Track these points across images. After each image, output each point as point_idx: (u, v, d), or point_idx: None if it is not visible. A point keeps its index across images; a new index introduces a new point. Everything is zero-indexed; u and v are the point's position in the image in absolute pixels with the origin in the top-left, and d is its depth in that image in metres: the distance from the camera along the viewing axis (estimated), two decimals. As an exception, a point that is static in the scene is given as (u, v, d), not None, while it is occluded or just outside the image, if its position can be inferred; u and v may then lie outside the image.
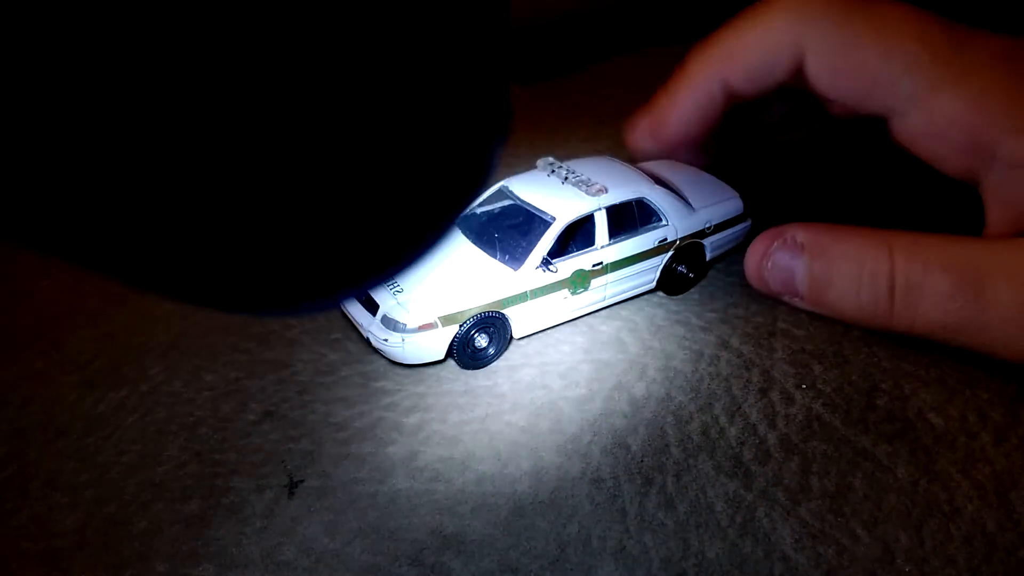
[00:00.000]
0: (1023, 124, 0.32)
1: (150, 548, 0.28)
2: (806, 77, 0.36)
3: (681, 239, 0.40)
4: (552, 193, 0.38)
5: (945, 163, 0.35)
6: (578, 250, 0.38)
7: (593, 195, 0.38)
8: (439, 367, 0.36)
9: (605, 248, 0.38)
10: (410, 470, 0.31)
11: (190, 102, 0.10)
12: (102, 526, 0.29)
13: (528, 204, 0.38)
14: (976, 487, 0.28)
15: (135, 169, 0.11)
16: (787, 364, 0.35)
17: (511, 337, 0.37)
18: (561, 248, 0.37)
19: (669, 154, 0.43)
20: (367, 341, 0.36)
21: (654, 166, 0.45)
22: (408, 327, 0.34)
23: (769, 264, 0.37)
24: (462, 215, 0.33)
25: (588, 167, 0.41)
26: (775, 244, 0.37)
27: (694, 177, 0.44)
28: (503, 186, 0.40)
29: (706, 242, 0.42)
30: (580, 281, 0.38)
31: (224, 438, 0.33)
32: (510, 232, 0.38)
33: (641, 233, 0.39)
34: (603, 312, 0.40)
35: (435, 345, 0.35)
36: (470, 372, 0.36)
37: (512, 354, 0.37)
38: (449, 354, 0.36)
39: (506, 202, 0.40)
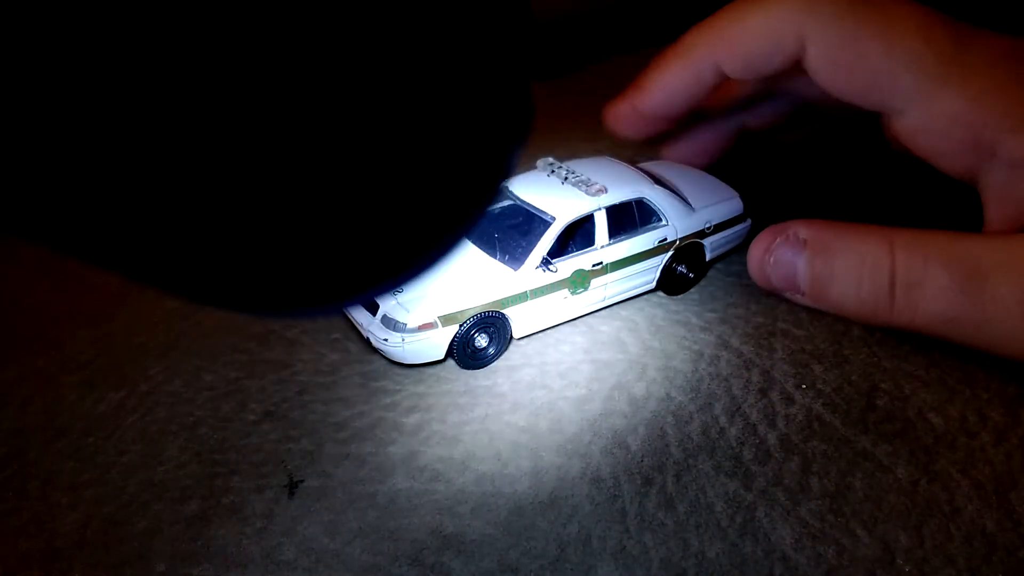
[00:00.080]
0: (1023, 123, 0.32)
1: (150, 548, 0.28)
2: (805, 69, 0.36)
3: (681, 239, 0.40)
4: (552, 193, 0.38)
5: (944, 161, 0.35)
6: (578, 250, 0.38)
7: (593, 195, 0.38)
8: (439, 367, 0.36)
9: (605, 248, 0.38)
10: (410, 470, 0.31)
11: (201, 101, 0.10)
12: (102, 526, 0.29)
13: (528, 204, 0.38)
14: (976, 487, 0.28)
15: (152, 167, 0.11)
16: (787, 364, 0.35)
17: (511, 337, 0.37)
18: (561, 248, 0.37)
19: (644, 130, 0.42)
20: (367, 341, 0.36)
21: (654, 166, 0.45)
22: (408, 327, 0.34)
23: (771, 260, 0.37)
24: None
25: (588, 167, 0.41)
26: (777, 240, 0.37)
27: (694, 177, 0.44)
28: (503, 186, 0.40)
29: (706, 242, 0.42)
30: (580, 281, 0.38)
31: (224, 438, 0.33)
32: (510, 232, 0.38)
33: (641, 233, 0.39)
34: (603, 312, 0.40)
35: (435, 345, 0.35)
36: (470, 372, 0.36)
37: (512, 354, 0.37)
38: (449, 354, 0.36)
39: (506, 202, 0.40)
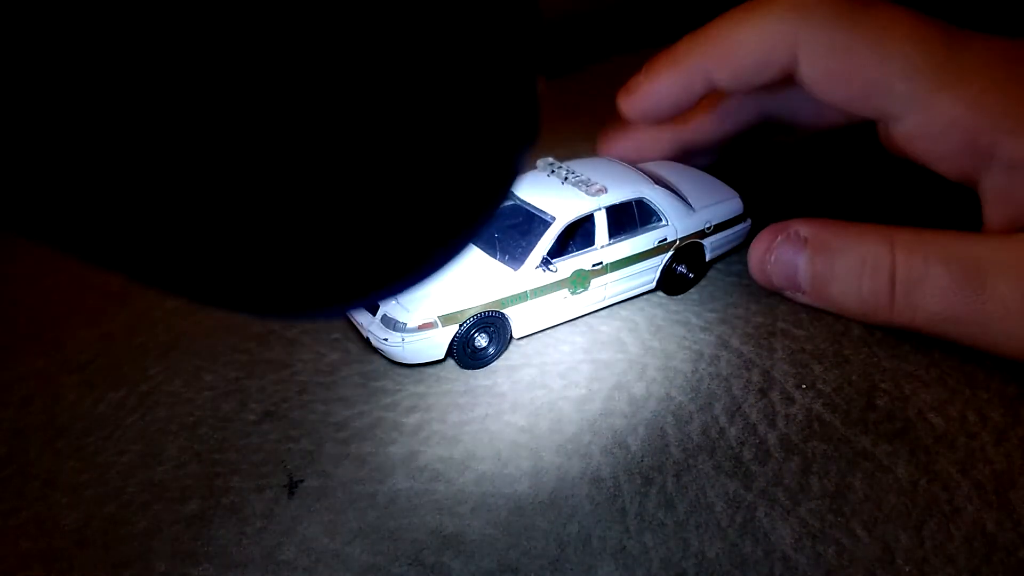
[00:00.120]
0: (1021, 125, 0.32)
1: (150, 548, 0.28)
2: (798, 80, 0.36)
3: (681, 239, 0.40)
4: (552, 193, 0.38)
5: (943, 165, 0.35)
6: (578, 250, 0.38)
7: (593, 195, 0.38)
8: (439, 367, 0.36)
9: (605, 248, 0.38)
10: (410, 470, 0.31)
11: (205, 101, 0.10)
12: (102, 526, 0.29)
13: (528, 204, 0.38)
14: (976, 487, 0.28)
15: (155, 168, 0.10)
16: (787, 364, 0.35)
17: (511, 337, 0.37)
18: (561, 248, 0.37)
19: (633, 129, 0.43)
20: (367, 341, 0.36)
21: (654, 166, 0.45)
22: (408, 327, 0.34)
23: (772, 259, 0.38)
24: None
25: (588, 167, 0.41)
26: (778, 239, 0.37)
27: (694, 177, 0.44)
28: (511, 191, 0.40)
29: (706, 242, 0.42)
30: (580, 281, 0.38)
31: (224, 438, 0.33)
32: (510, 232, 0.38)
33: (641, 233, 0.39)
34: (603, 312, 0.40)
35: (435, 345, 0.35)
36: (470, 372, 0.36)
37: (512, 354, 0.37)
38: (449, 354, 0.36)
39: (506, 202, 0.40)
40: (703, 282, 0.42)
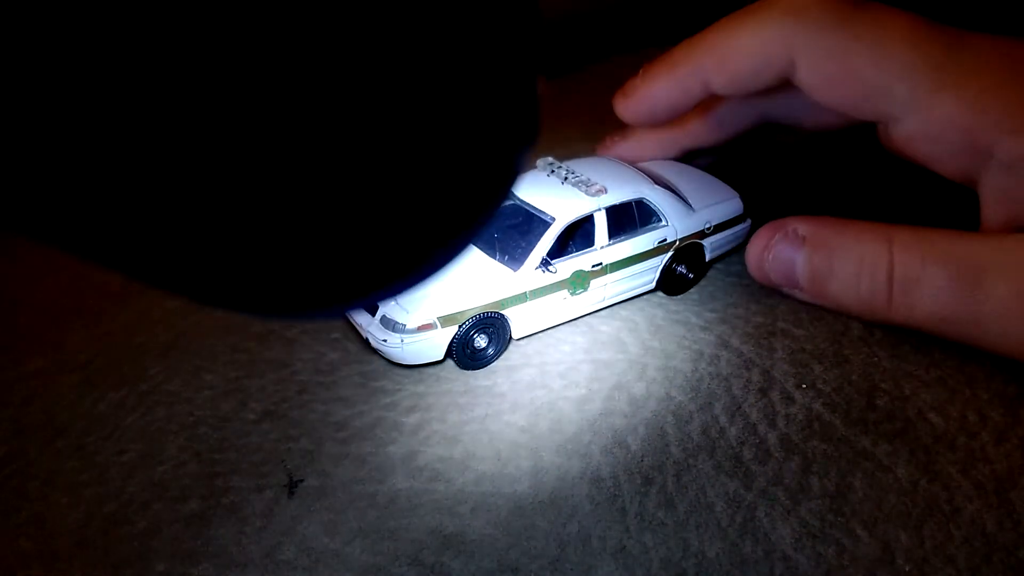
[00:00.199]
0: (1020, 124, 0.32)
1: (149, 547, 0.28)
2: (797, 84, 0.36)
3: (681, 240, 0.40)
4: (552, 193, 0.38)
5: (942, 165, 0.35)
6: (577, 251, 0.38)
7: (593, 195, 0.38)
8: (439, 367, 0.36)
9: (605, 249, 0.38)
10: (410, 470, 0.31)
11: (206, 101, 0.10)
12: (102, 525, 0.29)
13: (527, 204, 0.38)
14: (976, 487, 0.28)
15: (156, 168, 0.10)
16: (787, 364, 0.35)
17: (510, 338, 0.37)
18: (560, 248, 0.37)
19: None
20: (366, 341, 0.36)
21: (654, 166, 0.45)
22: (407, 327, 0.34)
23: (770, 256, 0.38)
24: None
25: (588, 167, 0.41)
26: (776, 236, 0.37)
27: (694, 177, 0.44)
28: (511, 191, 0.40)
29: (706, 242, 0.42)
30: (580, 282, 0.38)
31: (224, 437, 0.33)
32: (509, 232, 0.38)
33: (641, 234, 0.39)
34: (603, 312, 0.40)
35: (434, 346, 0.35)
36: (470, 372, 0.36)
37: (512, 354, 0.37)
38: (448, 354, 0.36)
39: (505, 202, 0.40)
40: (703, 282, 0.42)
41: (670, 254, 0.40)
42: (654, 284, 0.40)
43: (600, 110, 0.44)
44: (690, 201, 0.41)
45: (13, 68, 0.09)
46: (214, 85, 0.10)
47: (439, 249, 0.14)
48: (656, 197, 0.39)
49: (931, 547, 0.26)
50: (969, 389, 0.33)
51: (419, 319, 0.34)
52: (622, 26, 0.77)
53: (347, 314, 0.37)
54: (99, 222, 0.11)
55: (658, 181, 0.41)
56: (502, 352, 0.37)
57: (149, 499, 0.30)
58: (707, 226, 0.41)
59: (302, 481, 0.30)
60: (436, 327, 0.34)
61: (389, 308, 0.35)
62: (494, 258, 0.37)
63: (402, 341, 0.34)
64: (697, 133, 0.46)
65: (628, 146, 0.47)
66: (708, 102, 0.43)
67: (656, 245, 0.39)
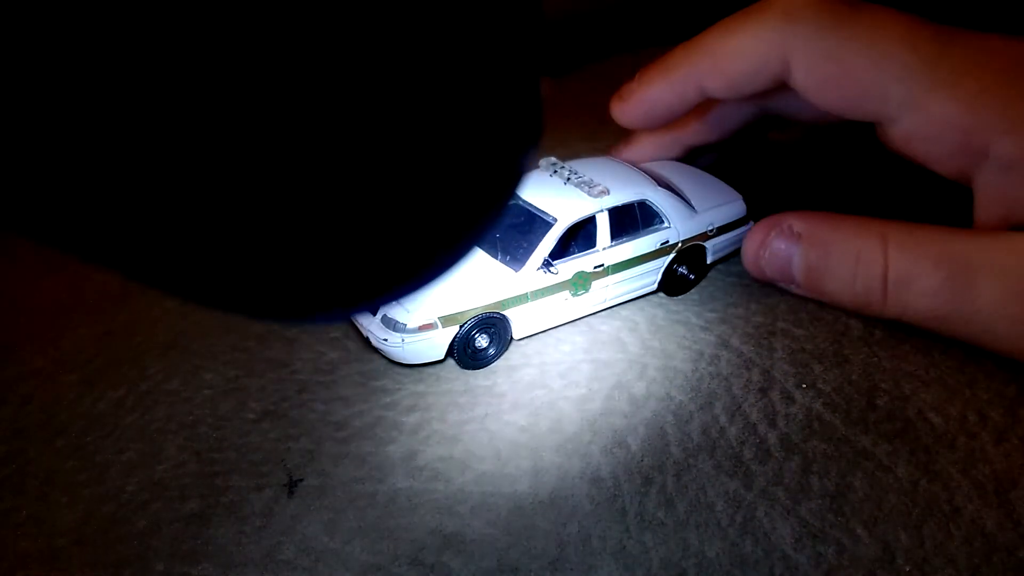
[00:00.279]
0: (1015, 124, 0.32)
1: (149, 547, 0.28)
2: (793, 86, 0.36)
3: (683, 242, 0.40)
4: (554, 194, 0.38)
5: (938, 164, 0.35)
6: (579, 252, 0.38)
7: (595, 196, 0.38)
8: (439, 366, 0.36)
9: (607, 250, 0.38)
10: (410, 469, 0.31)
11: (212, 106, 0.10)
12: (101, 525, 0.29)
13: (530, 204, 0.38)
14: (976, 487, 0.28)
15: (161, 170, 0.10)
16: (787, 364, 0.35)
17: (511, 338, 0.37)
18: (562, 249, 0.37)
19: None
20: (367, 340, 0.36)
21: (657, 167, 0.45)
22: (408, 327, 0.34)
23: (766, 253, 0.38)
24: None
25: (591, 167, 0.40)
26: (772, 233, 0.37)
27: (697, 179, 0.44)
28: (516, 193, 0.40)
29: (708, 244, 0.42)
30: (581, 283, 0.38)
31: (223, 437, 0.33)
32: (511, 232, 0.38)
33: (643, 235, 0.39)
34: (603, 312, 0.40)
35: (435, 345, 0.35)
36: (470, 372, 0.36)
37: (512, 354, 0.37)
38: (449, 354, 0.36)
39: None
40: (703, 282, 0.42)
41: (672, 256, 0.40)
42: (656, 286, 0.40)
43: (600, 110, 0.44)
44: (693, 203, 0.41)
45: (14, 69, 0.09)
46: (220, 86, 0.10)
47: (445, 252, 0.14)
48: (659, 199, 0.39)
49: (931, 547, 0.26)
50: (969, 389, 0.33)
51: (420, 319, 0.34)
52: (622, 26, 0.77)
53: (352, 317, 0.37)
54: (102, 225, 0.11)
55: (661, 182, 0.41)
56: (503, 352, 0.37)
57: (148, 498, 0.30)
58: (710, 228, 0.41)
59: (302, 480, 0.30)
60: (437, 327, 0.34)
61: (390, 307, 0.35)
62: (496, 258, 0.37)
63: (403, 341, 0.34)
64: (699, 130, 0.46)
65: (632, 147, 0.47)
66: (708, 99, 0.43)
67: (658, 247, 0.39)
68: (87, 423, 0.34)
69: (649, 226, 0.40)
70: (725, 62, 0.37)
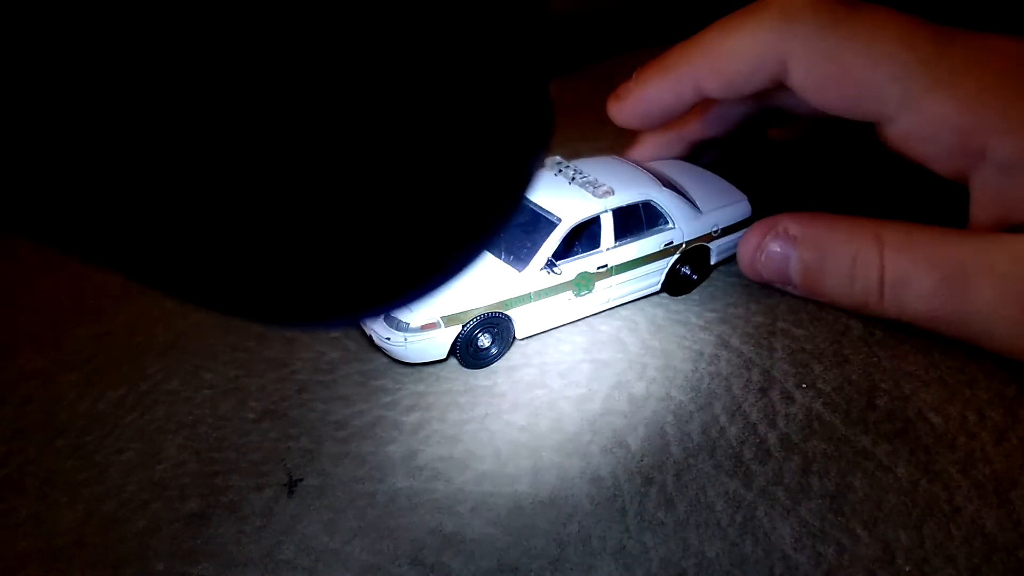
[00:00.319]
0: (1013, 125, 0.32)
1: (149, 547, 0.28)
2: (790, 86, 0.36)
3: (687, 242, 0.40)
4: (558, 193, 0.38)
5: (935, 164, 0.35)
6: (583, 252, 0.38)
7: (600, 196, 0.37)
8: (439, 366, 0.36)
9: (610, 251, 0.38)
10: (410, 469, 0.31)
11: (216, 109, 0.10)
12: (101, 524, 0.29)
13: (534, 204, 0.38)
14: (976, 487, 0.28)
15: (165, 172, 0.10)
16: (787, 363, 0.35)
17: (514, 338, 0.37)
18: (566, 249, 0.37)
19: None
20: (368, 339, 0.36)
21: (662, 166, 0.45)
22: (411, 326, 0.34)
23: (763, 256, 0.38)
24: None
25: (596, 167, 0.40)
26: (768, 236, 0.38)
27: (702, 179, 0.44)
28: (525, 197, 0.40)
29: (712, 245, 0.41)
30: (584, 283, 0.37)
31: (223, 436, 0.33)
32: (515, 232, 0.38)
33: (647, 236, 0.39)
34: (603, 312, 0.40)
35: (438, 345, 0.35)
36: (470, 371, 0.36)
37: (512, 354, 0.37)
38: (452, 353, 0.35)
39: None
40: (703, 282, 0.42)
41: (676, 257, 0.40)
42: (659, 286, 0.40)
43: (600, 110, 0.44)
44: (698, 203, 0.41)
45: (14, 69, 0.09)
46: (224, 86, 0.10)
47: (455, 256, 0.14)
48: (663, 199, 0.39)
49: (931, 547, 0.26)
50: (969, 389, 0.33)
51: (423, 318, 0.34)
52: (622, 26, 0.77)
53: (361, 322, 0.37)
54: (102, 225, 0.11)
55: (666, 182, 0.41)
56: (505, 352, 0.37)
57: (148, 498, 0.30)
58: (714, 229, 0.41)
59: (302, 480, 0.30)
60: (440, 326, 0.34)
61: (390, 307, 0.35)
62: (499, 258, 0.37)
63: (406, 340, 0.34)
64: (702, 126, 0.46)
65: (636, 146, 0.47)
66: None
67: (662, 247, 0.39)
68: (87, 423, 0.34)
69: (653, 227, 0.39)
70: (722, 62, 0.37)
